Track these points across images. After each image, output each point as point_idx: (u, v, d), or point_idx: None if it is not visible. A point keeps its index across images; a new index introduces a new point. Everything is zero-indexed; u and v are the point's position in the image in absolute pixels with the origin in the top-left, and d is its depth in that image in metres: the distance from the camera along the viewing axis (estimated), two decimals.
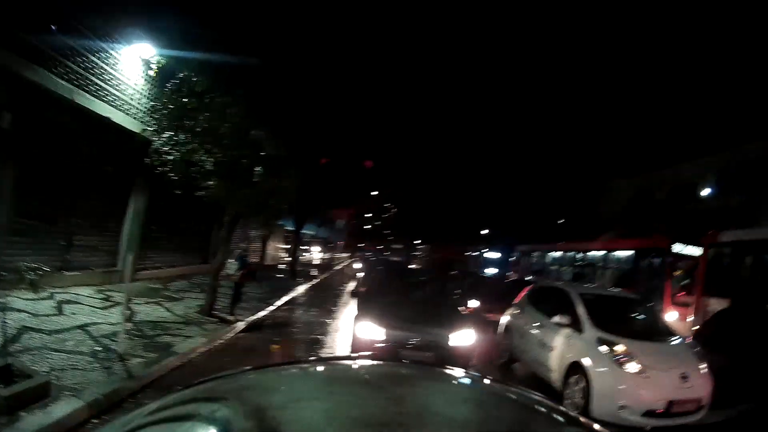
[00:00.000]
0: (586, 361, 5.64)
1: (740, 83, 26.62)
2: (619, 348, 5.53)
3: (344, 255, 47.82)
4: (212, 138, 8.07)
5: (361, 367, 1.50)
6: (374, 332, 6.31)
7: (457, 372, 1.66)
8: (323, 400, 1.12)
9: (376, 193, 65.54)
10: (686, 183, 24.73)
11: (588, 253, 16.42)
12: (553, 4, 49.82)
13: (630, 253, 13.51)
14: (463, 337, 6.52)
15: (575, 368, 5.80)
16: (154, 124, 8.98)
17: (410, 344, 6.23)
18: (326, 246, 36.98)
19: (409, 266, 21.34)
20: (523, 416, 1.22)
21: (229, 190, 8.31)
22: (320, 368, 1.42)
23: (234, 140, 8.16)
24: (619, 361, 5.42)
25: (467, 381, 1.49)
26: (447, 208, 58.76)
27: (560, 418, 1.26)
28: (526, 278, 16.88)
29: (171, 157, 8.21)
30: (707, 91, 27.53)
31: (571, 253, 17.70)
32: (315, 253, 31.06)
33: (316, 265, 27.91)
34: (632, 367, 5.34)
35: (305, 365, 1.42)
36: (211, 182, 8.23)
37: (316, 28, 15.14)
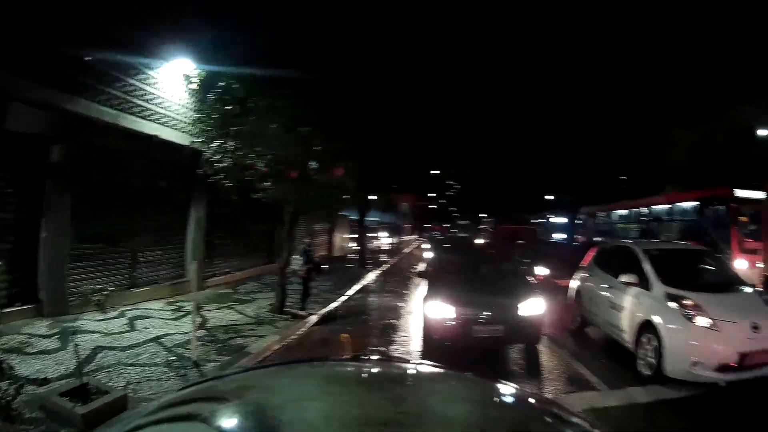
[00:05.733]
0: (656, 319, 5.52)
1: None
2: (688, 302, 5.37)
3: (411, 238, 47.66)
4: (260, 140, 8.11)
5: (361, 367, 1.50)
6: (445, 311, 6.36)
7: (458, 372, 1.65)
8: (323, 400, 1.12)
9: (437, 172, 65.19)
10: (744, 126, 22.96)
11: (652, 208, 15.98)
12: None
13: (694, 204, 13.37)
14: (532, 306, 6.49)
15: (646, 327, 5.66)
16: (202, 134, 9.20)
17: (481, 319, 6.26)
18: (393, 230, 36.95)
19: (475, 241, 21.88)
20: (523, 416, 1.22)
21: (285, 189, 8.36)
22: (320, 368, 1.44)
23: (282, 139, 8.14)
24: (688, 316, 5.24)
25: (467, 381, 1.49)
26: (509, 179, 57.23)
27: (560, 418, 1.25)
28: (594, 240, 16.79)
29: (224, 165, 8.40)
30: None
31: (636, 210, 17.17)
32: (382, 239, 31.14)
33: (384, 251, 27.97)
34: (702, 320, 5.16)
35: (305, 365, 1.45)
36: (267, 183, 8.30)
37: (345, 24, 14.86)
